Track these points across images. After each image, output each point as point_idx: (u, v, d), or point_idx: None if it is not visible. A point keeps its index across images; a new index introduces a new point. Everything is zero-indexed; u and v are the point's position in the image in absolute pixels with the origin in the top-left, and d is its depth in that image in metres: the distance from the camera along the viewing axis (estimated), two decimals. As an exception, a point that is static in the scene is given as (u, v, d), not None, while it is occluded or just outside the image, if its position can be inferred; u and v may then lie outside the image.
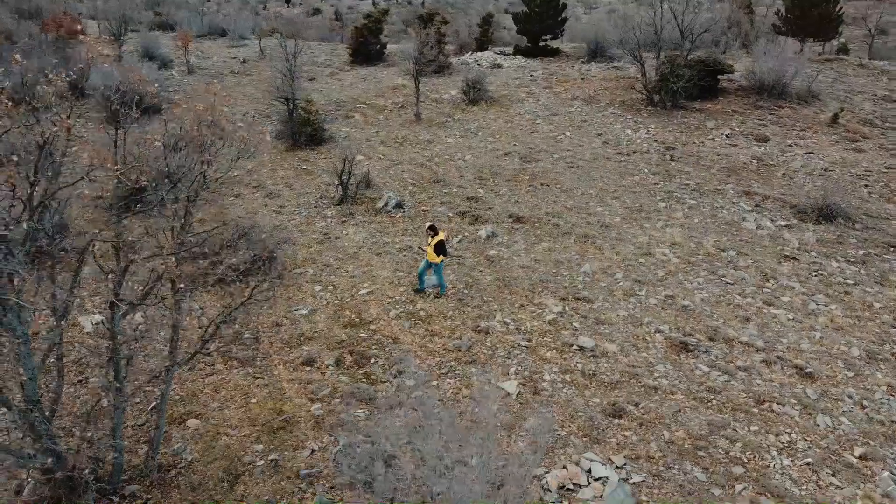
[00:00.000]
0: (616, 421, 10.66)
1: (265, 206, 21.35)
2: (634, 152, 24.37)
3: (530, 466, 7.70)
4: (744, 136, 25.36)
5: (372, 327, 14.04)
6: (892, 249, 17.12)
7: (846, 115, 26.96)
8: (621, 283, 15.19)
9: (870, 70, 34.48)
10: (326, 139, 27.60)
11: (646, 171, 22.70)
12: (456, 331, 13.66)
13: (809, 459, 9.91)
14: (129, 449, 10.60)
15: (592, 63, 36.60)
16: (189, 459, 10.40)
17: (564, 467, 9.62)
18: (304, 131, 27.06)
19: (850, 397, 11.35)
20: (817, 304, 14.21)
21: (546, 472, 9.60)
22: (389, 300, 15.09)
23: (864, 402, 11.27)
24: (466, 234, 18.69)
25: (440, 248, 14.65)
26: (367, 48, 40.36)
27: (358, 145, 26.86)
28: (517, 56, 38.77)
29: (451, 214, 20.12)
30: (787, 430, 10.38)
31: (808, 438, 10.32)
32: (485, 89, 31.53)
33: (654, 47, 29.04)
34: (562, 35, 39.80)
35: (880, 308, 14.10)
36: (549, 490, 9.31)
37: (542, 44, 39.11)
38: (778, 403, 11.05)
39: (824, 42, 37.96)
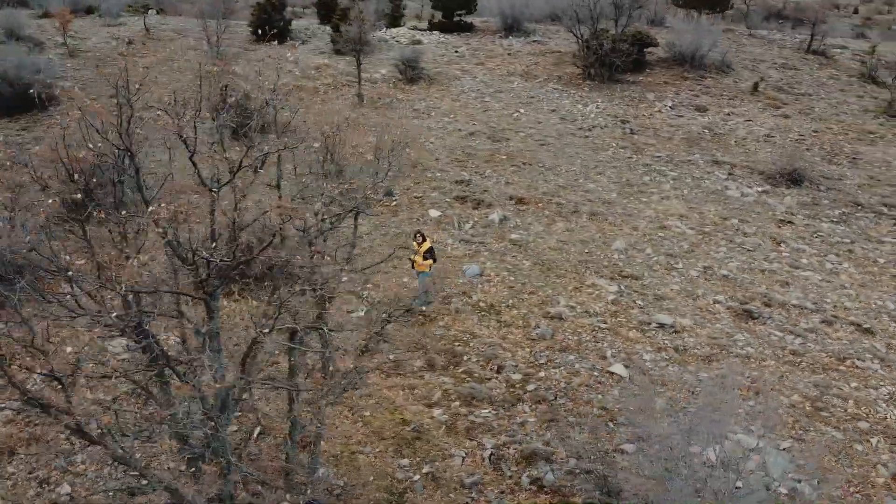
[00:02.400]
0: (734, 392, 11.36)
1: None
2: (594, 127, 25.29)
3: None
4: (685, 107, 27.04)
5: (441, 324, 13.87)
6: (859, 207, 19.17)
7: (762, 83, 29.40)
8: (655, 258, 15.96)
9: (759, 39, 37.64)
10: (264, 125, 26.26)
11: (614, 145, 23.68)
12: (529, 320, 13.81)
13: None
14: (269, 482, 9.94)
15: (511, 37, 37.11)
16: (341, 485, 9.94)
17: (720, 443, 10.17)
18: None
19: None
20: (832, 264, 15.74)
21: (702, 450, 10.11)
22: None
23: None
24: (476, 218, 18.70)
25: (430, 255, 13.99)
26: (272, 25, 38.40)
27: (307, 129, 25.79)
28: (434, 32, 38.52)
29: (448, 200, 20.00)
30: (882, 383, 11.61)
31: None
32: (420, 68, 31.19)
33: (588, 21, 29.97)
34: (475, 9, 39.98)
35: (885, 263, 15.88)
36: (714, 466, 9.83)
37: (456, 19, 39.09)
38: (858, 359, 12.28)
39: (720, 13, 40.90)
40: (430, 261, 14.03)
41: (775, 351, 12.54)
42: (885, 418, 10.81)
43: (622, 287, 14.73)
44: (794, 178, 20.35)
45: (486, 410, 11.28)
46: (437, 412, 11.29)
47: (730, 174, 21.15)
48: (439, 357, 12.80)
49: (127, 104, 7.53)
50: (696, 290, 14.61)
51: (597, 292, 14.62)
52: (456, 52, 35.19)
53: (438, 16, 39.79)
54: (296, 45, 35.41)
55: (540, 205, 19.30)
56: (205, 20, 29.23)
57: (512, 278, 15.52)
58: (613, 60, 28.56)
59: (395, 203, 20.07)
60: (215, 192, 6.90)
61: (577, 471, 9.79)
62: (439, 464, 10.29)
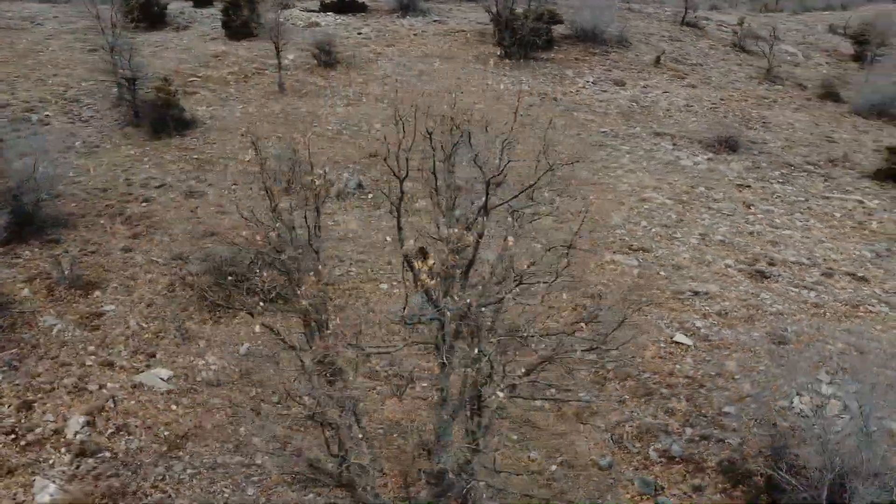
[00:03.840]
0: (789, 347, 12.60)
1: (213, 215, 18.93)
2: (532, 105, 25.99)
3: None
4: (604, 82, 28.49)
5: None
6: (792, 167, 21.43)
7: (663, 56, 31.57)
8: (653, 230, 17.00)
9: (636, 13, 40.16)
10: (190, 122, 24.68)
11: (556, 121, 24.51)
12: (571, 301, 14.29)
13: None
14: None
15: (409, 17, 36.84)
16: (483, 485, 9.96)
17: (801, 394, 11.31)
18: (171, 115, 23.86)
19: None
20: (801, 222, 17.61)
21: (789, 403, 11.21)
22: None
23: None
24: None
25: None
26: (151, 10, 35.47)
27: (238, 126, 24.45)
28: (328, 13, 37.40)
29: (422, 186, 19.86)
30: (899, 324, 13.34)
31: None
32: (335, 52, 30.30)
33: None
34: (368, -11, 39.23)
35: (841, 217, 18.00)
36: (807, 415, 10.94)
37: (349, -1, 38.15)
38: (868, 305, 13.98)
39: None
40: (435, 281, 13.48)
41: (799, 305, 13.97)
42: (921, 355, 12.51)
43: (640, 260, 15.58)
44: (730, 145, 22.28)
45: (583, 393, 11.66)
46: (538, 401, 11.50)
47: (674, 145, 22.73)
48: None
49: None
50: (705, 256, 15.79)
51: (619, 267, 15.36)
52: (359, 33, 34.43)
53: (330, -4, 38.60)
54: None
55: (511, 183, 19.66)
56: (96, 5, 26.34)
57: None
58: (533, 39, 29.36)
59: (370, 196, 19.63)
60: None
61: (697, 438, 10.46)
62: (567, 450, 10.58)
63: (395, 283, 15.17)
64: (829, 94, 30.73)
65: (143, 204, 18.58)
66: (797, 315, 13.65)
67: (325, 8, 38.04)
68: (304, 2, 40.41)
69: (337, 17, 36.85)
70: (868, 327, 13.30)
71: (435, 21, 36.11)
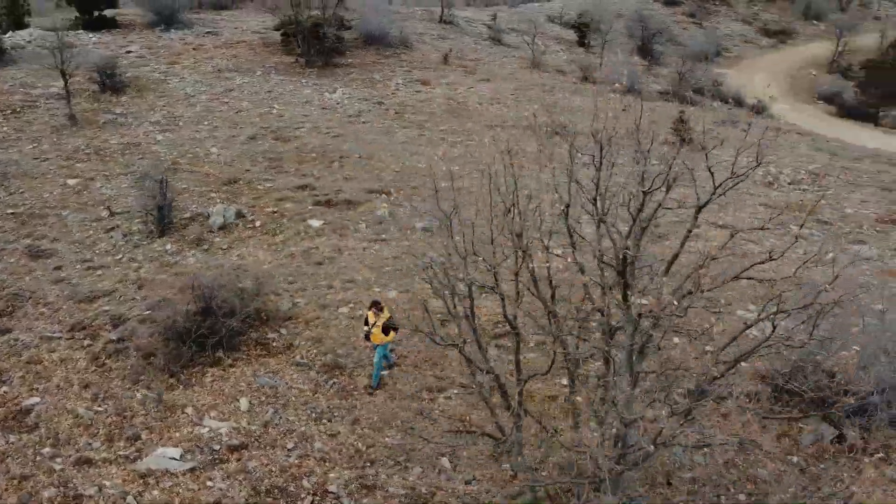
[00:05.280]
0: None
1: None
2: (361, 112, 26.42)
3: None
4: (412, 83, 29.85)
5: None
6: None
7: (450, 54, 33.86)
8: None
9: (399, 14, 42.09)
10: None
11: (397, 126, 25.36)
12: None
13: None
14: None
15: (173, 31, 34.35)
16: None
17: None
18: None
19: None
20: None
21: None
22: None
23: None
24: (362, 219, 18.84)
25: (392, 325, 12.56)
26: None
27: (45, 170, 21.42)
28: (83, 31, 33.26)
29: (310, 206, 19.54)
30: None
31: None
32: (120, 74, 27.40)
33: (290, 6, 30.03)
34: (117, 3, 35.55)
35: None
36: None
37: (99, 14, 34.35)
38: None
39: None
40: (392, 332, 12.53)
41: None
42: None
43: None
44: (556, 131, 25.08)
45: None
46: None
47: (512, 136, 24.90)
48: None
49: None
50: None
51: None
52: (128, 52, 31.34)
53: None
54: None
55: (403, 192, 20.26)
56: None
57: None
58: (336, 46, 29.54)
59: (259, 225, 18.77)
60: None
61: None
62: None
63: (354, 305, 14.99)
64: (587, 77, 35.70)
65: (-16, 278, 15.69)
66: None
67: (78, 26, 33.70)
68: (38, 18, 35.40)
69: (93, 35, 32.99)
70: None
71: (208, 34, 34.24)
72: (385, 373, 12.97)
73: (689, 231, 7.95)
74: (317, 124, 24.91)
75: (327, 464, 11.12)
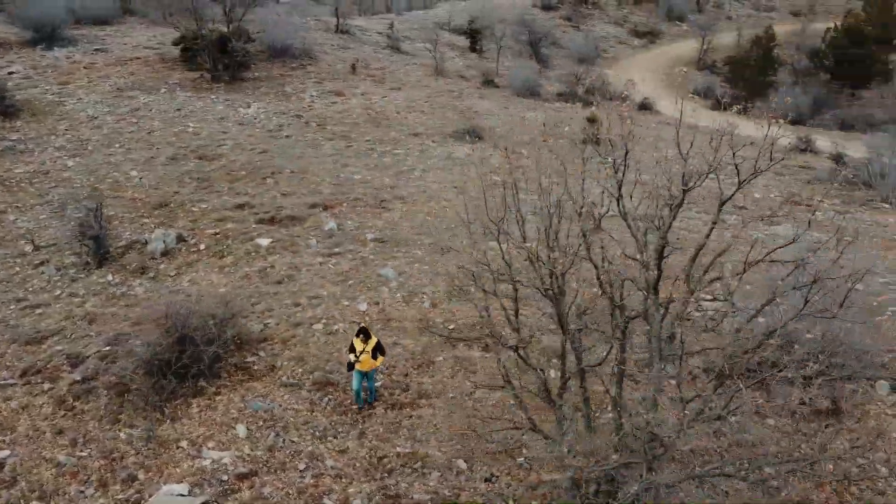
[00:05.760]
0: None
1: None
2: (282, 126, 26.04)
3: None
4: (327, 94, 29.72)
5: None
6: (527, 144, 25.95)
7: (358, 63, 33.93)
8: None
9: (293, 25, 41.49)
10: None
11: (322, 139, 25.22)
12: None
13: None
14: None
15: (56, 49, 32.24)
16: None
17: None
18: None
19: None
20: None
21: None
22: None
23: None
24: (312, 234, 18.73)
25: (379, 350, 12.33)
26: None
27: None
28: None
29: (254, 224, 19.18)
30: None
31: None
32: (11, 97, 25.55)
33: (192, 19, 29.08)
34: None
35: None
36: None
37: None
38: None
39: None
40: (381, 356, 12.39)
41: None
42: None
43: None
44: (476, 135, 25.90)
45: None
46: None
47: (434, 142, 25.45)
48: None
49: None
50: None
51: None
52: (11, 73, 29.18)
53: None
54: None
55: (345, 206, 20.27)
56: None
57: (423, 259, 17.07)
58: (244, 59, 28.89)
59: (200, 248, 18.23)
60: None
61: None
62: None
63: (327, 321, 14.96)
64: (489, 81, 36.85)
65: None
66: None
67: (-63, 46, 30.94)
68: None
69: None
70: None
71: (97, 51, 32.45)
72: (378, 384, 13.01)
73: (714, 223, 8.72)
74: (238, 141, 24.32)
75: (344, 480, 11.15)
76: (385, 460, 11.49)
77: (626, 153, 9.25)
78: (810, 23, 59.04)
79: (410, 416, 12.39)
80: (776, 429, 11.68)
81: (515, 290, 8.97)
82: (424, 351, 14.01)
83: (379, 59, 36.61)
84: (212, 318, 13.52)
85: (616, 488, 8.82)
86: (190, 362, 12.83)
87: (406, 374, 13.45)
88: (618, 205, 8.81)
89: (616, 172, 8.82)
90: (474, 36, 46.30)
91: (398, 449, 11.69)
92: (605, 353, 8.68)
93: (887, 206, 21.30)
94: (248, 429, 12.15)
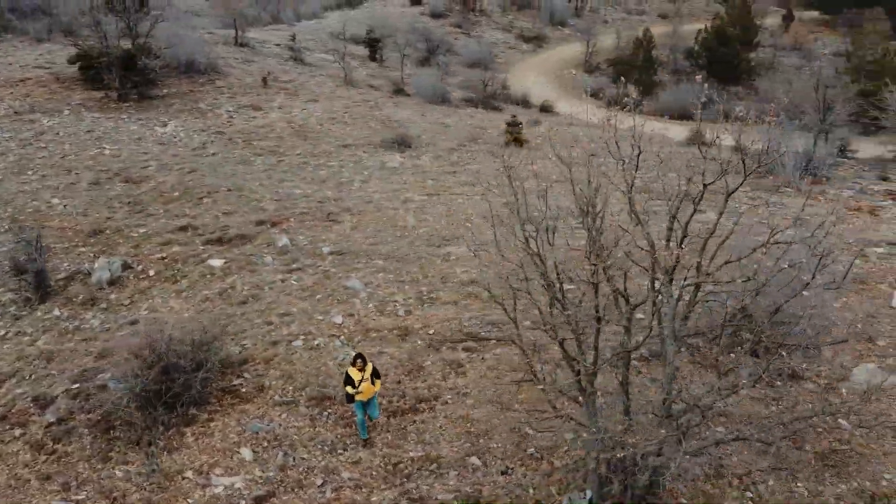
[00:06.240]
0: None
1: None
2: (206, 143, 25.34)
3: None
4: (244, 109, 29.14)
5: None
6: (454, 150, 26.70)
7: (269, 77, 33.41)
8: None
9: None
10: None
11: (250, 155, 24.77)
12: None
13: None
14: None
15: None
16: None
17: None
18: None
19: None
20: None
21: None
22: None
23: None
24: (265, 251, 18.50)
25: (376, 375, 12.05)
26: None
27: None
28: None
29: (202, 246, 18.73)
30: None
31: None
32: None
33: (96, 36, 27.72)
34: None
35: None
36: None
37: None
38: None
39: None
40: (378, 381, 12.13)
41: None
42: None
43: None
44: (406, 143, 26.30)
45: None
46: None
47: (365, 153, 25.60)
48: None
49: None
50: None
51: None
52: None
53: None
54: None
55: (292, 221, 20.10)
56: None
57: (395, 282, 17.31)
58: (153, 77, 27.82)
59: (150, 274, 17.64)
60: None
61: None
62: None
63: (306, 337, 14.92)
64: (399, 90, 37.30)
65: None
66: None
67: None
68: None
69: None
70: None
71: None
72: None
73: (721, 213, 9.61)
74: (163, 161, 23.47)
75: (364, 489, 11.28)
76: (400, 466, 11.71)
77: (639, 154, 10.03)
78: (680, 25, 63.62)
79: (414, 421, 12.64)
80: (752, 397, 12.91)
81: (561, 282, 9.44)
82: (411, 357, 14.28)
83: (287, 72, 36.17)
84: (191, 343, 13.18)
85: (637, 466, 9.55)
86: (181, 390, 12.47)
87: (399, 382, 13.66)
88: (629, 202, 9.53)
89: (625, 171, 9.52)
90: (374, 45, 46.61)
91: (411, 453, 11.93)
92: (641, 339, 9.34)
93: (790, 190, 23.60)
94: (253, 451, 12.00)
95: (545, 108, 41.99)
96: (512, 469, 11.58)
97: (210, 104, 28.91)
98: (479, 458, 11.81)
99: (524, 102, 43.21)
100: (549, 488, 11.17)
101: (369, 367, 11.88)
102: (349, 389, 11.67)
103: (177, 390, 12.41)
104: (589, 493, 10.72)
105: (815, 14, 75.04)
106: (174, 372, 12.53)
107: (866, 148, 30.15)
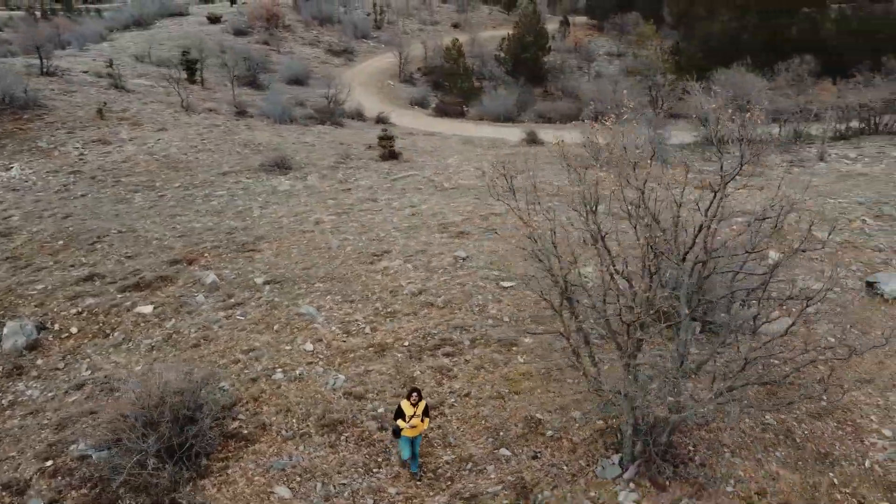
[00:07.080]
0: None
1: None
2: (66, 185, 23.13)
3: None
4: (92, 144, 26.85)
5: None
6: (335, 168, 26.91)
7: (104, 108, 30.89)
8: (485, 250, 20.53)
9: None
10: None
11: (123, 191, 23.06)
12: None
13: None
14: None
15: None
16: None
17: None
18: None
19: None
20: (412, 199, 23.71)
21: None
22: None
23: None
24: (190, 287, 17.68)
25: (426, 411, 11.78)
26: None
27: None
28: None
29: (119, 295, 17.45)
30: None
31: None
32: None
33: None
34: None
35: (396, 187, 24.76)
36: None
37: None
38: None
39: None
40: (427, 418, 11.86)
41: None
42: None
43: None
44: (286, 166, 25.96)
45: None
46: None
47: (249, 178, 24.89)
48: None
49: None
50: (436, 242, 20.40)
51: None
52: None
53: None
54: None
55: (208, 256, 19.29)
56: None
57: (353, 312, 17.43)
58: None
59: (73, 331, 16.21)
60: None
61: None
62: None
63: (283, 368, 14.70)
64: (242, 112, 36.23)
65: None
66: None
67: None
68: None
69: None
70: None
71: None
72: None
73: (721, 201, 11.33)
74: (25, 209, 21.16)
75: (416, 500, 11.63)
76: (439, 471, 12.18)
77: (651, 157, 11.46)
78: (476, 33, 67.91)
79: (431, 428, 13.11)
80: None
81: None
82: (399, 370, 14.65)
83: (116, 101, 33.60)
84: (189, 391, 12.54)
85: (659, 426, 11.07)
86: (194, 442, 11.86)
87: (396, 395, 14.01)
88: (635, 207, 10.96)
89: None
90: (191, 67, 44.57)
91: (444, 458, 12.44)
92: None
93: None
94: (289, 487, 11.78)
95: (381, 120, 42.97)
96: (540, 452, 12.55)
97: (50, 142, 26.24)
98: (508, 449, 12.62)
99: (359, 116, 43.86)
100: (579, 462, 12.30)
101: (422, 404, 11.60)
102: (400, 423, 11.49)
103: (191, 442, 11.77)
104: (616, 458, 12.05)
105: (584, 19, 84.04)
106: (185, 423, 11.87)
107: (678, 135, 34.96)
